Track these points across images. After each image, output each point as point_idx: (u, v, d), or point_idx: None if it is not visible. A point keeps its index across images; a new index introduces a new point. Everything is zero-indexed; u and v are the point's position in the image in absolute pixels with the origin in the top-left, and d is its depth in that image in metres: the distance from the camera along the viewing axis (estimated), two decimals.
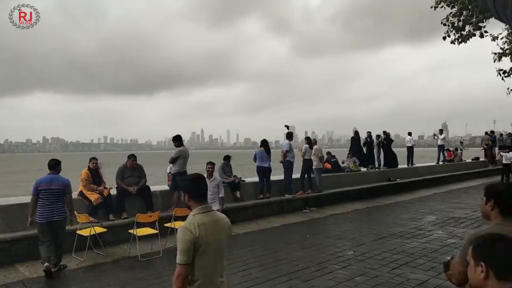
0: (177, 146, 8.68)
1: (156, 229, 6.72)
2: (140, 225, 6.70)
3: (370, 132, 15.32)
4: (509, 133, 24.17)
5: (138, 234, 6.58)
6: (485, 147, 20.86)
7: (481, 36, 10.94)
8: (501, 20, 1.02)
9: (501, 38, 12.04)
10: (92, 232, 6.47)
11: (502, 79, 12.25)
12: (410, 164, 16.91)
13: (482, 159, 21.36)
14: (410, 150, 17.36)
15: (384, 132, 15.89)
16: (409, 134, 18.31)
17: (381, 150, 15.51)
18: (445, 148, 19.46)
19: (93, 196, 7.25)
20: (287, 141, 10.53)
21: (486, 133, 23.73)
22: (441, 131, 18.94)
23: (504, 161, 16.40)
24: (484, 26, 10.73)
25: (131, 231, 6.66)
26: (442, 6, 10.64)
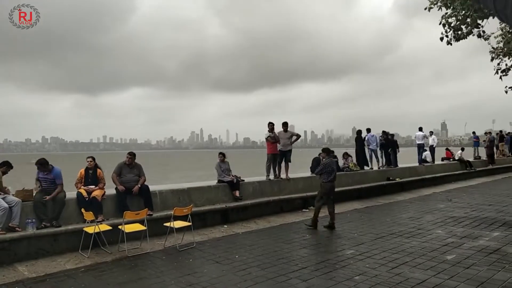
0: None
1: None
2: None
3: (360, 131, 14.79)
4: (497, 132, 24.33)
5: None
6: (487, 145, 20.78)
7: (479, 36, 10.89)
8: (501, 20, 1.02)
9: (495, 37, 11.98)
10: (97, 230, 6.51)
11: (500, 77, 12.23)
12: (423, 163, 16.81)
13: (483, 158, 21.32)
14: (420, 148, 17.30)
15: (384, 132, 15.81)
16: (420, 129, 17.45)
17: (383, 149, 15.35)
18: (434, 148, 18.46)
19: (82, 192, 7.30)
20: None
21: (485, 133, 23.86)
22: (431, 133, 18.02)
23: None
24: (483, 26, 10.68)
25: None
26: (439, 7, 10.58)
